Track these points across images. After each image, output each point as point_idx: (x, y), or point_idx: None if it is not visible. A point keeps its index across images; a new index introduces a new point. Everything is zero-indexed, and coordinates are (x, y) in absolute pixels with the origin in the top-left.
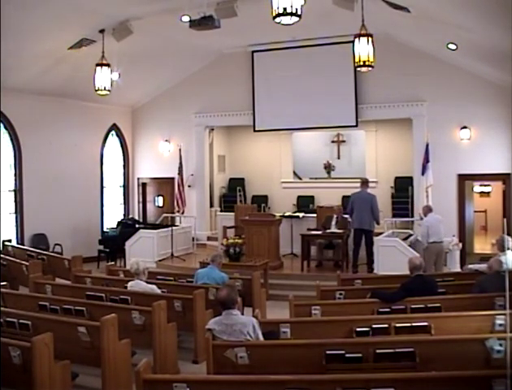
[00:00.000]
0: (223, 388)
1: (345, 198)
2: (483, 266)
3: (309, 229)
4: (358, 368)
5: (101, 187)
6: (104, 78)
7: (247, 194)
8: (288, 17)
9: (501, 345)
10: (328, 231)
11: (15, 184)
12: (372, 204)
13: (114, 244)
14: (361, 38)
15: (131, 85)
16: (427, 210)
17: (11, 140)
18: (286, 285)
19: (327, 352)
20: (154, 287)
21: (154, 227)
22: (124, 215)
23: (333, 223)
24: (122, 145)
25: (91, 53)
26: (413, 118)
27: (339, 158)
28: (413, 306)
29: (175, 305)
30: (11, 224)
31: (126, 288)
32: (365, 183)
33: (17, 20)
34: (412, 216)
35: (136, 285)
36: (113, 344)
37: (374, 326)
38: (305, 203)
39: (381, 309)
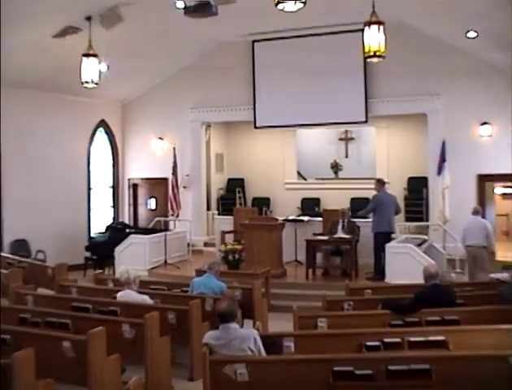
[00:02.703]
0: None
1: (354, 200)
2: (505, 276)
3: (314, 234)
4: (369, 386)
5: (89, 188)
6: (91, 70)
7: (247, 196)
8: (292, 3)
9: None
10: (335, 236)
11: None
12: (396, 205)
13: (102, 250)
14: (371, 26)
15: (120, 78)
16: (474, 211)
17: None
18: (289, 295)
19: (335, 368)
20: (145, 297)
21: (146, 231)
22: (113, 219)
23: (340, 227)
24: (111, 143)
25: (77, 42)
26: (428, 113)
27: (347, 156)
28: (428, 319)
29: (169, 316)
30: None
31: (115, 298)
32: (383, 183)
33: None
34: (427, 220)
35: (127, 295)
36: (101, 359)
37: (385, 340)
38: (310, 206)
39: (393, 322)
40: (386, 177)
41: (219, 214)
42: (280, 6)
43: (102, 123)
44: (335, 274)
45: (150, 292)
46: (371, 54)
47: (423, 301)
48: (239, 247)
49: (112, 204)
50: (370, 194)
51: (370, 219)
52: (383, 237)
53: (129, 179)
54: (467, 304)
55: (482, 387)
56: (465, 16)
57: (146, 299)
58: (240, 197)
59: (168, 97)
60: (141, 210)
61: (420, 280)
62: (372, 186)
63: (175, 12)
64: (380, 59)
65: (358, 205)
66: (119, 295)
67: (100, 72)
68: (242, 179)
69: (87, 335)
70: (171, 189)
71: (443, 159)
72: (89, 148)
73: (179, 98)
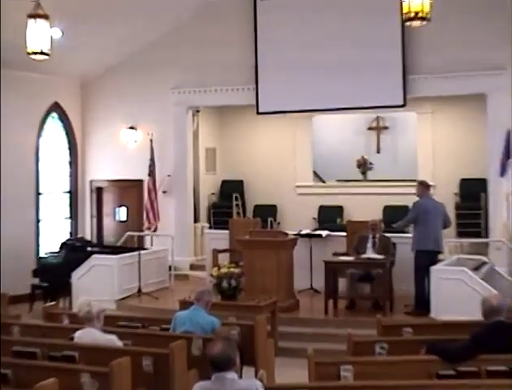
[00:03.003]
0: None
1: (388, 209)
2: None
3: (335, 254)
4: None
5: (37, 194)
6: (40, 36)
7: (247, 204)
8: None
9: None
10: (364, 256)
11: None
12: (445, 215)
13: (55, 276)
14: None
15: (80, 47)
16: None
17: None
18: (303, 335)
19: None
20: (113, 337)
21: (114, 250)
22: (71, 234)
23: (369, 244)
24: (67, 134)
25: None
26: (488, 93)
27: (379, 151)
28: (490, 368)
29: (144, 363)
30: None
31: (72, 339)
32: (427, 186)
33: None
34: (486, 236)
35: (88, 335)
36: None
37: None
38: (330, 217)
39: (442, 372)
40: (430, 179)
41: (210, 228)
42: None
43: (55, 108)
44: (363, 306)
45: (119, 330)
46: (412, 15)
47: (482, 345)
48: (236, 271)
49: (69, 214)
50: (410, 201)
51: (410, 234)
52: (427, 257)
53: (91, 182)
54: None
55: None
56: None
57: (114, 340)
58: (237, 205)
59: (143, 73)
60: (108, 223)
61: (478, 316)
62: (413, 190)
63: None
64: (424, 23)
65: (394, 216)
66: (77, 335)
67: (52, 40)
68: (241, 182)
69: (33, 389)
70: (147, 195)
71: (507, 156)
72: (38, 140)
73: (157, 75)
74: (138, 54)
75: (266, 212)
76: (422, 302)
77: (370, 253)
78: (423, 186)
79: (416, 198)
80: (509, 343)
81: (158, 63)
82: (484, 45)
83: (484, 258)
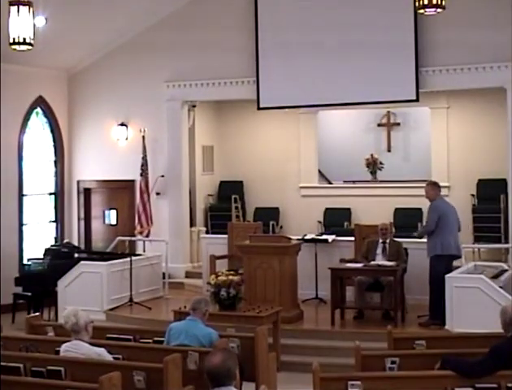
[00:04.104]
0: None
1: (399, 212)
2: None
3: (343, 260)
4: None
5: (20, 195)
6: (23, 24)
7: (247, 206)
8: None
9: None
10: (373, 263)
11: None
12: (458, 219)
13: (39, 284)
14: None
15: (66, 37)
16: None
17: None
18: (308, 347)
19: None
20: (102, 351)
21: (104, 257)
22: (56, 239)
23: (379, 250)
24: (53, 131)
25: None
26: (507, 87)
27: (389, 150)
28: (511, 385)
29: (136, 378)
30: None
31: (58, 353)
32: (440, 187)
33: None
34: (506, 241)
35: (75, 349)
36: None
37: None
38: (336, 220)
39: (459, 389)
40: (446, 180)
41: (207, 232)
42: None
43: (40, 102)
44: (372, 317)
45: (109, 343)
46: (425, 2)
47: (503, 359)
48: (236, 279)
49: (54, 218)
50: (423, 203)
51: (423, 239)
52: (447, 263)
53: (79, 183)
54: None
55: None
56: None
57: (103, 353)
58: (237, 208)
59: (134, 65)
60: (96, 226)
61: (497, 328)
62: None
63: None
64: (439, 11)
65: (406, 219)
66: (63, 348)
67: (35, 28)
68: (240, 183)
69: None
70: (139, 196)
71: None
72: (21, 138)
73: (149, 67)
74: (129, 44)
75: (268, 215)
76: (438, 312)
77: (380, 260)
78: (437, 187)
79: (426, 201)
80: None
81: (151, 54)
82: (504, 36)
83: (504, 265)
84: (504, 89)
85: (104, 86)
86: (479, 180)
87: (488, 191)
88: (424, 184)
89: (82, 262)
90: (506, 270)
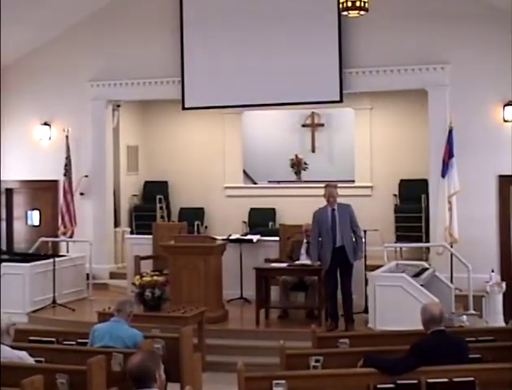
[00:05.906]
0: None
1: None
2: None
3: (267, 260)
4: None
5: None
6: None
7: (172, 206)
8: None
9: None
10: (298, 263)
11: None
12: (351, 217)
13: None
14: None
15: None
16: None
17: None
18: (233, 347)
19: None
20: (23, 354)
21: (26, 258)
22: None
23: (303, 250)
24: None
25: None
26: (428, 89)
27: (314, 150)
28: (430, 380)
29: (59, 381)
30: None
31: None
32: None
33: None
34: (427, 240)
35: None
36: None
37: None
38: (261, 220)
39: (381, 385)
40: (369, 180)
41: (131, 233)
42: None
43: None
44: (297, 317)
45: (31, 346)
46: (349, 5)
47: (423, 356)
48: (160, 279)
49: None
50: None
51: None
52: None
53: (0, 183)
54: (485, 359)
55: None
56: None
57: (25, 357)
58: (161, 208)
59: (57, 63)
60: (18, 227)
61: (418, 326)
62: (350, 192)
63: None
64: (362, 13)
65: None
66: None
67: None
68: (165, 183)
69: None
70: (62, 197)
71: (450, 154)
72: None
73: (73, 66)
74: (52, 42)
75: (193, 215)
76: (336, 314)
77: (304, 260)
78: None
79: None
80: (449, 354)
81: (75, 53)
82: (426, 39)
83: (425, 264)
84: (425, 91)
85: (27, 85)
86: (401, 181)
87: (410, 191)
88: (348, 185)
89: (3, 263)
90: (427, 269)
